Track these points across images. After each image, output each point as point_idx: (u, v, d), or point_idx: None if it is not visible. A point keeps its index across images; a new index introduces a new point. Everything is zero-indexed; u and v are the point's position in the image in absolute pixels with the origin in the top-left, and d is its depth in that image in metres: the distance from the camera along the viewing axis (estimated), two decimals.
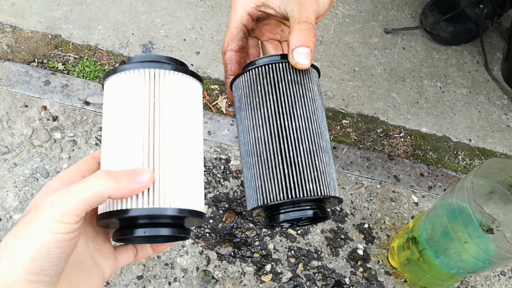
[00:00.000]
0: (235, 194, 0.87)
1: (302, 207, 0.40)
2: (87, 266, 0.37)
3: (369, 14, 1.19)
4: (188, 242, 0.82)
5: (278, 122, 0.40)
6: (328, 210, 0.42)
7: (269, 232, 0.85)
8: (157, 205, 0.34)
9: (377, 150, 1.00)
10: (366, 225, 0.89)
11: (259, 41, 0.51)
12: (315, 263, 0.84)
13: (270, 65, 0.42)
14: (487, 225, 0.61)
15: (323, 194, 0.39)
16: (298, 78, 0.42)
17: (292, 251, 0.84)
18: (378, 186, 0.94)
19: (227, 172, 0.89)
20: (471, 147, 1.06)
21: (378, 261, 0.86)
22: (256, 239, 0.84)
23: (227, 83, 0.46)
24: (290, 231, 0.86)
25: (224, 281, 0.80)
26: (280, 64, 0.42)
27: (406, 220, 0.91)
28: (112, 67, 0.98)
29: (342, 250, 0.86)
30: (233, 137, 0.93)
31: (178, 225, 0.37)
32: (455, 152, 1.05)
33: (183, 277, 0.79)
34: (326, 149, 0.42)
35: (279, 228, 0.43)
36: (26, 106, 0.88)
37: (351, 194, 0.92)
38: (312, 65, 0.43)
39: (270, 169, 0.40)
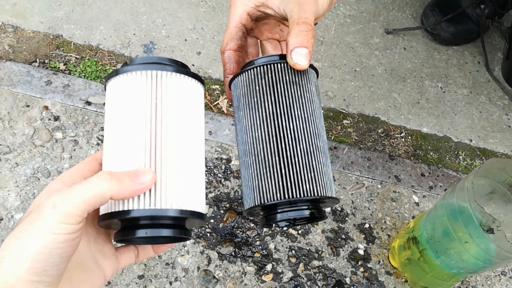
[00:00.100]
0: (236, 194, 0.87)
1: (299, 207, 0.40)
2: (88, 267, 0.37)
3: (370, 15, 1.19)
4: (189, 242, 0.82)
5: (276, 122, 0.40)
6: (325, 210, 0.43)
7: (270, 232, 0.86)
8: (159, 206, 0.35)
9: (378, 150, 1.00)
10: (366, 225, 0.89)
11: (258, 41, 0.51)
12: (316, 263, 0.84)
13: (268, 65, 0.42)
14: (487, 225, 0.61)
15: (320, 195, 0.39)
16: (297, 79, 0.42)
17: (293, 251, 0.84)
18: (379, 186, 0.94)
19: (228, 172, 0.89)
20: (472, 147, 1.06)
21: (379, 261, 0.86)
22: (257, 238, 0.84)
23: (226, 82, 0.47)
24: (291, 230, 0.86)
25: (225, 280, 0.80)
26: (279, 65, 0.42)
27: (406, 220, 0.91)
28: (113, 67, 0.98)
29: (342, 250, 0.86)
30: (234, 137, 0.93)
31: (179, 226, 0.37)
32: (456, 152, 1.05)
33: (184, 276, 0.79)
34: (323, 149, 0.42)
35: (278, 227, 0.43)
36: (28, 106, 0.89)
37: (352, 194, 0.92)
38: (311, 66, 0.44)
39: (268, 169, 0.40)
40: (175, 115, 0.37)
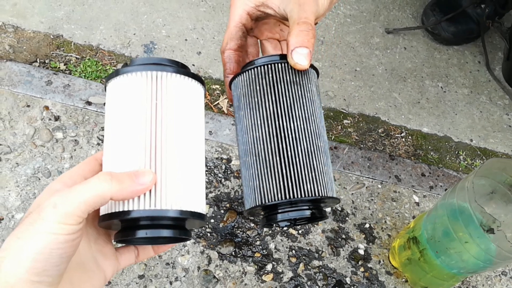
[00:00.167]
0: (236, 194, 0.87)
1: (300, 207, 0.40)
2: (89, 267, 0.37)
3: (370, 14, 1.19)
4: (189, 241, 0.82)
5: (277, 122, 0.40)
6: (325, 209, 0.43)
7: (270, 231, 0.86)
8: (159, 207, 0.35)
9: (378, 150, 1.00)
10: (367, 225, 0.89)
11: (258, 40, 0.51)
12: (316, 262, 0.84)
13: (269, 65, 0.42)
14: (487, 225, 0.61)
15: (320, 195, 0.39)
16: (297, 79, 0.42)
17: (293, 251, 0.84)
18: (379, 186, 0.94)
19: (228, 172, 0.89)
20: (472, 147, 1.06)
21: (379, 261, 0.86)
22: (257, 238, 0.84)
23: (226, 81, 0.47)
24: (291, 230, 0.86)
25: (225, 280, 0.80)
26: (280, 64, 0.42)
27: (407, 220, 0.91)
28: (114, 67, 0.98)
29: (343, 250, 0.86)
30: (234, 137, 0.93)
31: (179, 226, 0.37)
32: (456, 152, 1.05)
33: (184, 276, 0.79)
34: (324, 149, 0.42)
35: (278, 227, 0.43)
36: (28, 106, 0.89)
37: (352, 194, 0.92)
38: (311, 66, 0.44)
39: (268, 169, 0.40)
40: (175, 116, 0.37)
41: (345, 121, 1.03)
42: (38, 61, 0.96)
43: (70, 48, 0.99)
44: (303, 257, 0.84)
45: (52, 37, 1.00)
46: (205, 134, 0.93)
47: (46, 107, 0.89)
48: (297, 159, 0.40)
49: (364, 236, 0.88)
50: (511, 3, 1.09)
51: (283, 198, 0.39)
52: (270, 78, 0.42)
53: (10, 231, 0.78)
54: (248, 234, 0.84)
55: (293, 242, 0.85)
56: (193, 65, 1.03)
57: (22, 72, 0.92)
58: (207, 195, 0.87)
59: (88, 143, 0.88)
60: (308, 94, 0.42)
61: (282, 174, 0.39)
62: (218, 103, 0.99)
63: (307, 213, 0.40)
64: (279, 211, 0.40)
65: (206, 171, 0.89)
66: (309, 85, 0.43)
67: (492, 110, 1.12)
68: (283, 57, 0.42)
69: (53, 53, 0.98)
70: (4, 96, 0.89)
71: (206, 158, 0.90)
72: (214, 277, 0.80)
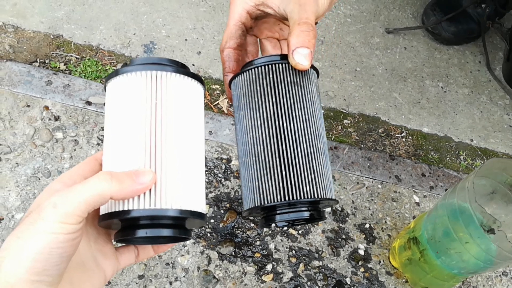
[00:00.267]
0: (236, 194, 0.87)
1: (298, 208, 0.40)
2: (88, 267, 0.37)
3: (370, 14, 1.19)
4: (189, 241, 0.82)
5: (277, 123, 0.40)
6: (323, 210, 0.43)
7: (270, 232, 0.86)
8: (159, 206, 0.35)
9: (378, 150, 1.00)
10: (367, 225, 0.89)
11: (258, 39, 0.51)
12: (316, 263, 0.84)
13: (270, 65, 0.42)
14: (488, 226, 0.61)
15: (320, 196, 0.39)
16: (298, 80, 0.42)
17: (293, 251, 0.84)
18: (380, 186, 0.94)
19: (228, 172, 0.89)
20: (472, 147, 1.06)
21: (379, 261, 0.86)
22: (257, 239, 0.84)
23: (225, 80, 0.47)
24: (291, 230, 0.86)
25: (225, 280, 0.80)
26: (280, 65, 0.42)
27: (407, 220, 0.91)
28: (113, 67, 0.98)
29: (343, 250, 0.86)
30: (234, 137, 0.93)
31: (179, 226, 0.37)
32: (456, 152, 1.05)
33: (184, 276, 0.79)
34: (324, 151, 0.42)
35: (277, 227, 0.43)
36: (28, 106, 0.89)
37: (352, 194, 0.92)
38: (311, 66, 0.44)
39: (268, 170, 0.40)
40: (175, 116, 0.37)
41: (345, 121, 1.03)
42: (38, 61, 0.96)
43: (70, 48, 0.99)
44: (303, 257, 0.84)
45: (52, 37, 1.00)
46: (205, 134, 0.93)
47: (46, 107, 0.89)
48: (297, 161, 0.40)
49: (364, 236, 0.88)
50: None
51: (282, 199, 0.39)
52: (271, 79, 0.42)
53: (10, 231, 0.78)
54: (248, 234, 0.84)
55: (293, 242, 0.85)
56: (193, 65, 1.03)
57: (22, 72, 0.92)
58: (207, 195, 0.87)
59: (88, 143, 0.88)
60: (309, 95, 0.42)
61: (281, 175, 0.39)
62: (218, 103, 0.99)
63: (306, 214, 0.40)
64: (278, 212, 0.40)
65: (206, 171, 0.89)
66: (309, 86, 0.43)
67: (493, 110, 1.12)
68: (284, 57, 0.42)
69: (53, 53, 0.98)
70: (4, 96, 0.89)
71: (206, 158, 0.90)
72: (214, 277, 0.80)
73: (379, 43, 1.16)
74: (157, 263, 0.79)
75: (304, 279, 0.82)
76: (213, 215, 0.85)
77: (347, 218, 0.89)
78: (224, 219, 0.85)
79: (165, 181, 0.35)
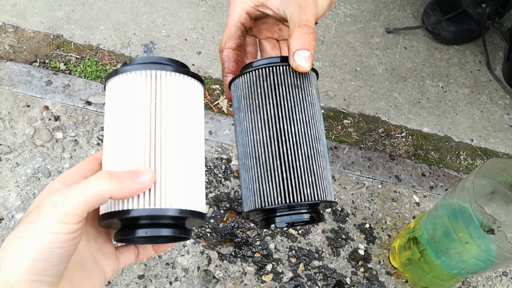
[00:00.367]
0: (236, 194, 0.87)
1: (298, 210, 0.40)
2: (88, 267, 0.37)
3: (370, 14, 1.19)
4: (189, 241, 0.82)
5: (278, 126, 0.40)
6: (323, 212, 0.43)
7: (270, 232, 0.85)
8: (159, 206, 0.35)
9: (378, 150, 1.00)
10: (367, 225, 0.89)
11: (257, 39, 0.51)
12: (316, 263, 0.84)
13: (270, 68, 0.42)
14: (488, 226, 0.61)
15: (319, 199, 0.39)
16: (298, 82, 0.42)
17: (293, 251, 0.84)
18: (380, 186, 0.94)
19: (228, 172, 0.89)
20: (473, 147, 1.06)
21: (379, 261, 0.86)
22: (257, 239, 0.84)
23: (225, 80, 0.47)
24: (291, 231, 0.86)
25: (225, 280, 0.80)
26: (281, 67, 0.42)
27: (407, 220, 0.91)
28: (113, 67, 0.98)
29: (343, 250, 0.86)
30: (234, 137, 0.93)
31: (179, 225, 0.37)
32: (457, 152, 1.05)
33: (184, 276, 0.79)
34: (324, 153, 0.42)
35: (276, 228, 0.44)
36: (28, 106, 0.89)
37: (352, 194, 0.92)
38: (311, 68, 0.44)
39: (268, 172, 0.40)
40: (175, 115, 0.37)
41: (345, 121, 1.03)
42: (38, 61, 0.96)
43: (70, 48, 0.99)
44: (303, 257, 0.84)
45: (52, 37, 1.00)
46: (205, 134, 0.93)
47: (46, 107, 0.89)
48: (298, 163, 0.40)
49: (364, 236, 0.88)
50: None
51: (283, 202, 0.39)
52: (271, 81, 0.42)
53: (10, 231, 0.78)
54: (248, 234, 0.84)
55: (293, 242, 0.85)
56: (193, 65, 1.03)
57: (22, 72, 0.92)
58: (207, 195, 0.87)
59: (88, 143, 0.88)
60: (309, 98, 0.42)
61: (282, 178, 0.39)
62: (218, 103, 0.99)
63: (306, 217, 0.40)
64: (278, 214, 0.41)
65: (206, 171, 0.89)
66: (309, 88, 0.43)
67: (493, 110, 1.12)
68: (284, 59, 0.42)
69: (53, 53, 0.98)
70: (4, 96, 0.89)
71: (206, 158, 0.90)
72: (214, 277, 0.80)
73: (379, 43, 1.15)
74: (157, 263, 0.79)
75: (304, 279, 0.82)
76: (213, 215, 0.85)
77: (347, 218, 0.89)
78: (224, 219, 0.85)
79: (165, 181, 0.35)
